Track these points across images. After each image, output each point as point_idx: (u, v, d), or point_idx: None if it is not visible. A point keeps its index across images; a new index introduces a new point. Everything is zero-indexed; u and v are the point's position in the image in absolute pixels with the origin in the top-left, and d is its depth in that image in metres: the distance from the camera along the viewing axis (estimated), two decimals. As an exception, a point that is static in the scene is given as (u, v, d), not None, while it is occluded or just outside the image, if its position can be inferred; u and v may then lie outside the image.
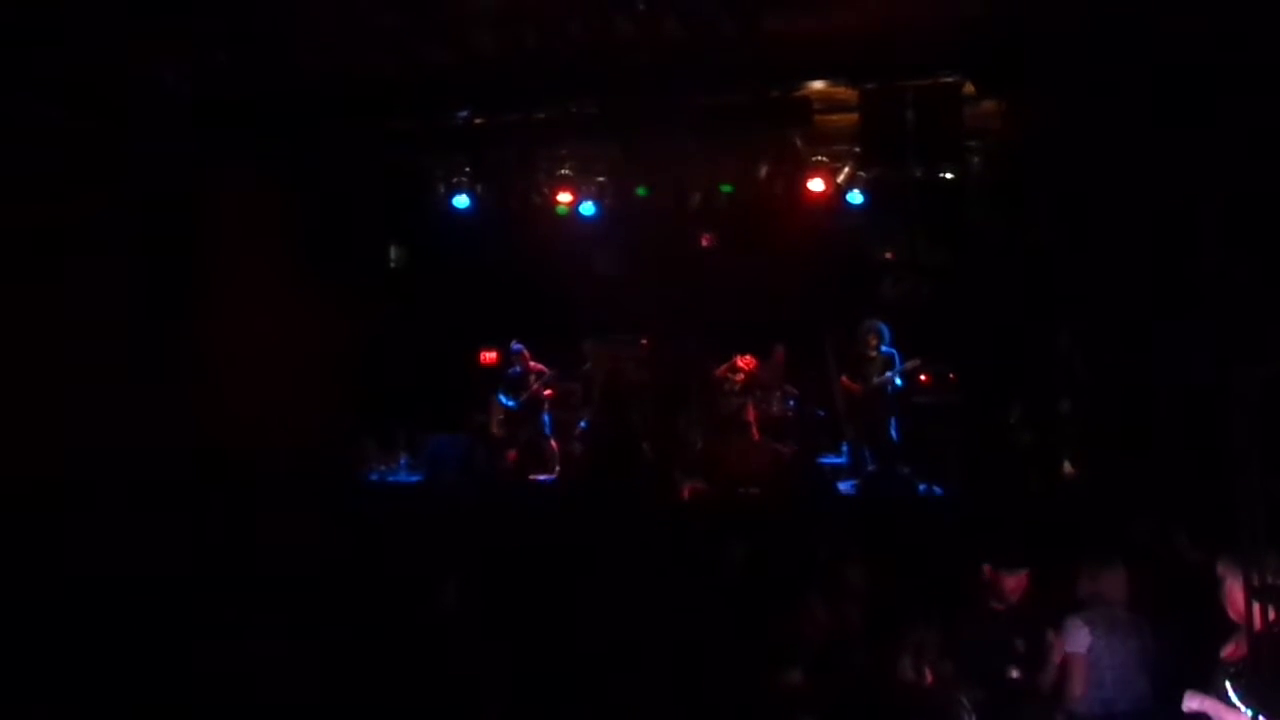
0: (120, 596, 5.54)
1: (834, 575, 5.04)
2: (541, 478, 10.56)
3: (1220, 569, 4.08)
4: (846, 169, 10.87)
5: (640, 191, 11.24)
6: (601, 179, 11.58)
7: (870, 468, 9.72)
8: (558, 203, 11.56)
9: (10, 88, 8.29)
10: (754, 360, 11.39)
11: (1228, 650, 3.95)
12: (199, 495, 7.75)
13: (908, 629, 4.77)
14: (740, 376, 11.13)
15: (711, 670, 4.31)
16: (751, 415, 11.06)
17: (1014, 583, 4.90)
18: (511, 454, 11.08)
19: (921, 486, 8.84)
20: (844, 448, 10.58)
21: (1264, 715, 3.58)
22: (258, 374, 10.31)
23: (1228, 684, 3.78)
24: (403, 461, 11.15)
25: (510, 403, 11.37)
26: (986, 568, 4.98)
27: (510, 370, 11.46)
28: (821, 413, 11.19)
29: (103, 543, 6.46)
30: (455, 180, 11.60)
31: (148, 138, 9.68)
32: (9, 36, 7.65)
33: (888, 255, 12.05)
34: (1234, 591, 3.96)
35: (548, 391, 11.29)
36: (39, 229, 8.78)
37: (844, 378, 10.30)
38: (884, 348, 10.05)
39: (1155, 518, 6.11)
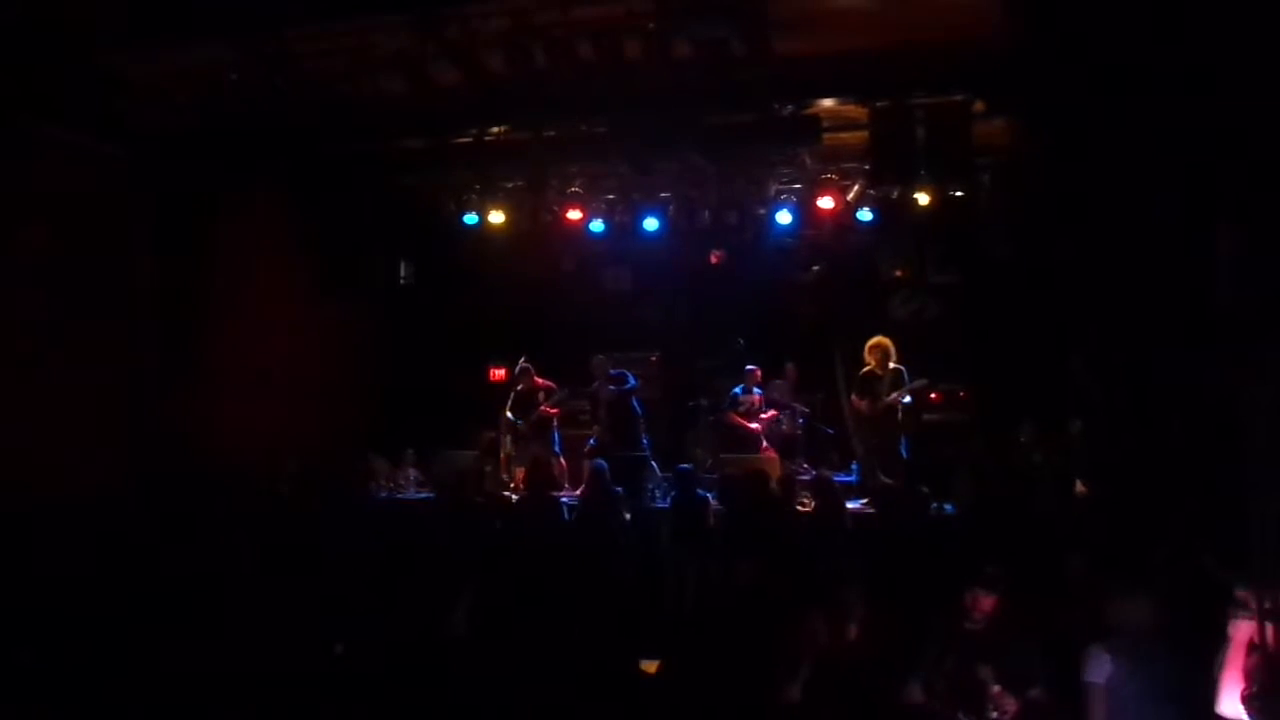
0: (121, 613, 5.54)
1: (837, 592, 5.00)
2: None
3: (1241, 594, 4.02)
4: (856, 187, 10.87)
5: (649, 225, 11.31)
6: (611, 196, 11.60)
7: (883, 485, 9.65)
8: (568, 220, 11.59)
9: (18, 109, 8.36)
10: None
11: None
12: (205, 511, 7.76)
13: (925, 651, 4.73)
14: (754, 396, 11.12)
15: (712, 685, 4.28)
16: (762, 433, 11.04)
17: (988, 603, 4.97)
18: (520, 472, 11.04)
19: (932, 505, 8.77)
20: (854, 466, 10.54)
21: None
22: (267, 390, 10.34)
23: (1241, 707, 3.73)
24: (412, 478, 11.13)
25: (518, 420, 11.34)
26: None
27: (517, 387, 11.44)
28: (831, 430, 11.16)
29: (105, 557, 6.47)
30: (465, 198, 11.65)
31: (158, 158, 9.76)
32: (18, 59, 7.72)
33: (897, 273, 12.03)
34: None
35: (553, 410, 11.25)
36: (49, 249, 8.84)
37: (852, 396, 10.26)
38: (891, 366, 10.00)
39: (1179, 540, 6.04)
